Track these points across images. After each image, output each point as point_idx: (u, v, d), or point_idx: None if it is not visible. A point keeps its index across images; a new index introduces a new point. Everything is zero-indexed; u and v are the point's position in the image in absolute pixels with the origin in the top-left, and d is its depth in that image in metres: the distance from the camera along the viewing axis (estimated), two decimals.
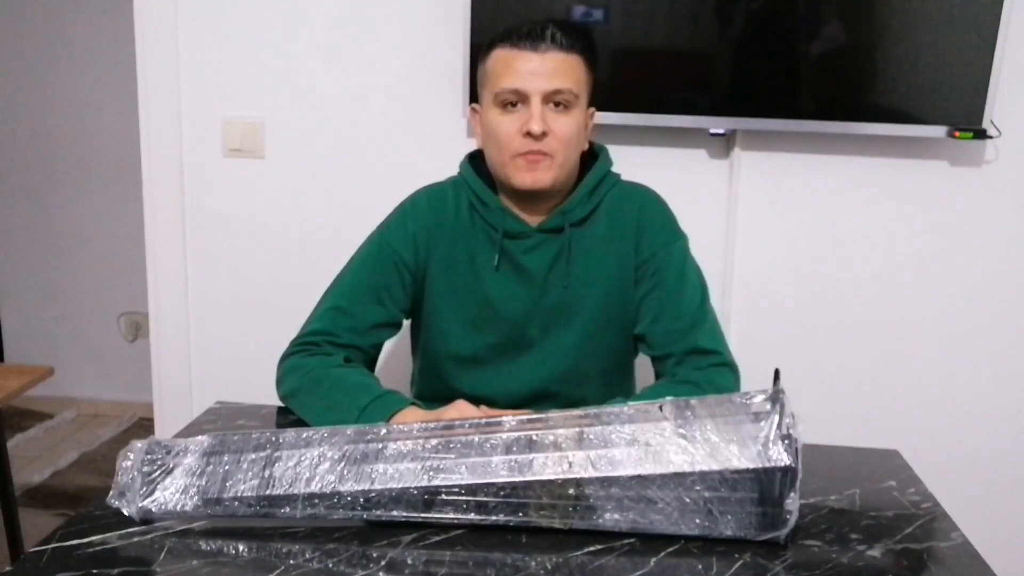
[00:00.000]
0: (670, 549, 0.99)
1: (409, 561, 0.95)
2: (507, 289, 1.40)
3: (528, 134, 1.30)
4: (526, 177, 1.33)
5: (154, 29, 1.99)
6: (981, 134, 1.79)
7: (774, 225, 1.97)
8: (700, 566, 0.96)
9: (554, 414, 1.06)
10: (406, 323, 1.48)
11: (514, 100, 1.31)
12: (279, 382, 1.35)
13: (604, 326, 1.41)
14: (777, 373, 1.03)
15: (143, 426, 3.34)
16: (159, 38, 1.99)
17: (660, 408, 1.03)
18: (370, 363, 1.42)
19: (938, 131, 1.81)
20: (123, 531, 0.99)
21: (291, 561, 0.94)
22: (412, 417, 1.18)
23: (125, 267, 3.30)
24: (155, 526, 1.01)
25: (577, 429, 1.02)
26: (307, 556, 0.95)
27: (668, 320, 1.37)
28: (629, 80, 1.85)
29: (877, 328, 1.99)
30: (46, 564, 0.92)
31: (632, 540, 1.00)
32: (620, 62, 1.84)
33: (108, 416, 3.42)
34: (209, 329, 2.13)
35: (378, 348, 1.43)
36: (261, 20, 1.97)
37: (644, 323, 1.40)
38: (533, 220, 1.39)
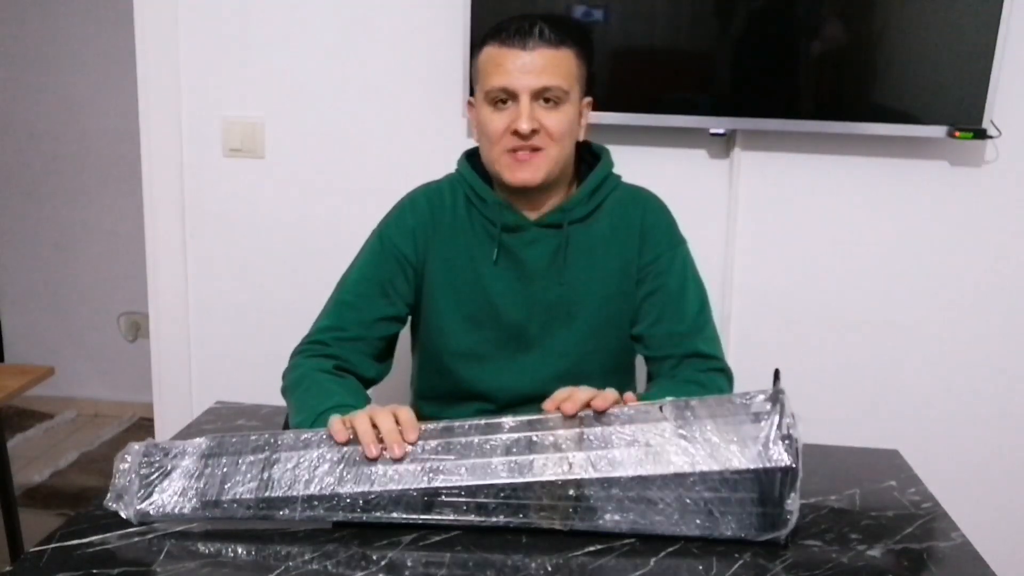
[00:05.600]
0: (670, 549, 0.99)
1: (409, 562, 0.95)
2: (505, 284, 1.40)
3: (516, 132, 1.31)
4: (516, 175, 1.34)
5: (154, 29, 1.98)
6: (981, 134, 1.79)
7: (774, 225, 1.96)
8: (700, 566, 0.96)
9: (553, 415, 1.05)
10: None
11: (504, 98, 1.32)
12: (282, 378, 1.37)
13: (604, 326, 1.41)
14: (777, 373, 1.02)
15: (143, 426, 3.33)
16: (159, 38, 1.99)
17: (660, 409, 1.02)
18: (379, 355, 1.41)
19: (938, 131, 1.81)
20: (123, 531, 0.99)
21: (290, 562, 0.94)
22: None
23: (125, 267, 3.30)
24: (155, 526, 1.01)
25: (577, 430, 1.02)
26: (306, 557, 0.95)
27: (669, 323, 1.38)
28: (629, 80, 1.85)
29: (877, 328, 1.99)
30: (46, 564, 0.92)
31: (632, 540, 1.00)
32: (620, 62, 1.84)
33: (108, 416, 3.42)
34: (209, 329, 2.13)
35: (387, 340, 1.42)
36: (261, 20, 1.96)
37: (644, 324, 1.40)
38: (531, 215, 1.40)
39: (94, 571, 0.91)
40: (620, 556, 0.97)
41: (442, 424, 1.06)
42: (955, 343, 1.99)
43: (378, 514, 1.01)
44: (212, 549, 0.96)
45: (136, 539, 0.98)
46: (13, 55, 3.27)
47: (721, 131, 1.87)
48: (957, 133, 1.79)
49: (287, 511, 1.01)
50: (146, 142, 2.05)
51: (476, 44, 1.38)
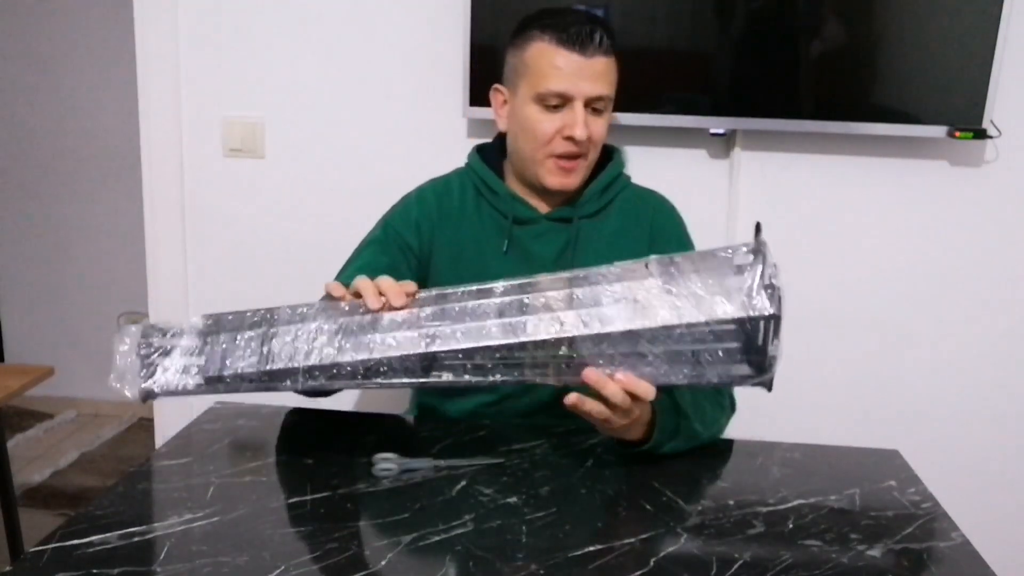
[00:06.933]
0: (670, 549, 0.99)
1: (409, 562, 0.95)
2: (512, 276, 1.41)
3: (569, 138, 1.32)
4: (556, 180, 1.36)
5: (154, 29, 1.99)
6: (981, 134, 1.79)
7: (774, 225, 1.96)
8: (700, 566, 0.96)
9: (542, 277, 1.07)
10: None
11: (557, 102, 1.32)
12: None
13: None
14: (758, 227, 1.04)
15: (143, 426, 3.34)
16: (159, 38, 1.99)
17: (646, 266, 1.05)
18: None
19: (938, 131, 1.81)
20: (123, 531, 0.99)
21: (291, 561, 0.94)
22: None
23: (125, 267, 3.30)
24: (155, 525, 1.01)
25: (567, 291, 1.04)
26: (306, 557, 0.95)
27: None
28: (629, 80, 1.85)
29: (877, 328, 1.99)
30: (46, 564, 0.92)
31: (632, 540, 1.00)
32: (620, 62, 1.84)
33: (108, 416, 3.43)
34: None
35: None
36: (261, 20, 1.97)
37: None
38: (542, 208, 1.41)
39: (94, 571, 0.91)
40: (620, 556, 0.97)
41: (436, 291, 1.08)
42: (955, 343, 1.99)
43: (379, 380, 1.02)
44: (213, 547, 0.96)
45: (136, 539, 0.98)
46: (13, 55, 3.28)
47: (721, 131, 1.87)
48: (957, 133, 1.79)
49: (289, 382, 1.03)
50: (146, 142, 2.05)
51: (519, 30, 1.37)
